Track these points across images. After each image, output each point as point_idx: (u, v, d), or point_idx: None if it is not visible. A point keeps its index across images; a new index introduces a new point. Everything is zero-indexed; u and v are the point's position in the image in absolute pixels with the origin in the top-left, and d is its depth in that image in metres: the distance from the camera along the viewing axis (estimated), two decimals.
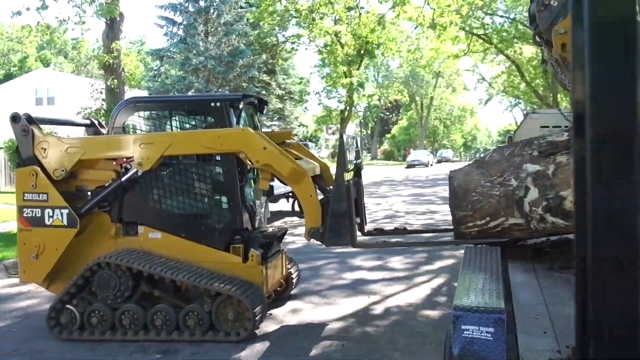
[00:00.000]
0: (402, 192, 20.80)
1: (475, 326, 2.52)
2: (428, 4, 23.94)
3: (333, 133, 43.48)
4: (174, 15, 29.55)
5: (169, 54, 29.39)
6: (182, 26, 29.40)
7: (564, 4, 4.85)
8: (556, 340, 2.82)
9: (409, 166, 44.66)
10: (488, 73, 48.42)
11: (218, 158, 5.45)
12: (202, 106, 5.56)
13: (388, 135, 75.23)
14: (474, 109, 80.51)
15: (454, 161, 68.82)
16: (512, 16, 30.63)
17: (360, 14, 30.00)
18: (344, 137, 5.02)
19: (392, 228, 5.96)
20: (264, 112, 6.33)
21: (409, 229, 6.05)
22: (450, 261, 8.27)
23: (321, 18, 30.96)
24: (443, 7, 23.39)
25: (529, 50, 32.47)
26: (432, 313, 5.87)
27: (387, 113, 71.92)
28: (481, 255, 3.92)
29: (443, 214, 13.82)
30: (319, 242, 5.23)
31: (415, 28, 27.03)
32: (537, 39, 5.27)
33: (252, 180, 5.73)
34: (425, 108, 66.90)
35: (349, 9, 30.33)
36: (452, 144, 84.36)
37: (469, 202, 4.67)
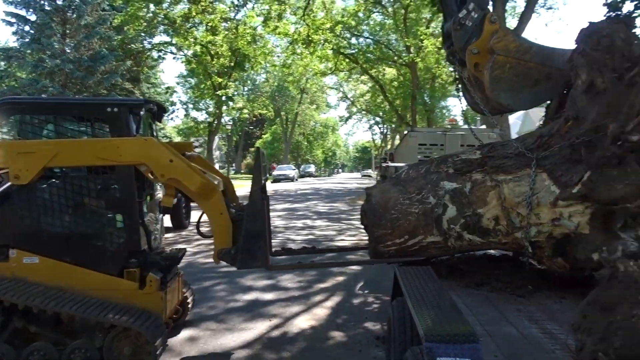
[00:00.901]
0: (276, 207, 20.63)
1: (451, 358, 2.38)
2: (304, 21, 24.32)
3: (200, 145, 42.18)
4: (26, 12, 26.72)
5: (19, 54, 26.39)
6: (35, 25, 26.61)
7: (478, 24, 5.06)
8: None
9: (275, 180, 44.78)
10: (351, 91, 50.60)
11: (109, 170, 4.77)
12: (97, 111, 4.83)
13: (252, 149, 74.98)
14: (335, 126, 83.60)
15: (316, 176, 70.60)
16: (376, 38, 32.32)
17: (237, 25, 29.55)
18: (261, 151, 4.70)
19: (301, 247, 5.72)
20: (161, 120, 5.74)
21: (317, 247, 5.85)
22: (341, 278, 8.22)
23: (195, 27, 29.96)
24: (318, 24, 23.92)
25: (391, 72, 34.48)
26: (339, 334, 5.71)
27: (252, 127, 71.78)
28: (418, 277, 3.83)
29: (321, 229, 13.93)
30: (203, 261, 4.79)
31: (290, 44, 27.23)
32: (451, 57, 5.42)
33: (148, 196, 5.13)
34: (289, 123, 67.86)
35: (225, 19, 29.76)
36: (314, 159, 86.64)
37: (388, 219, 4.60)
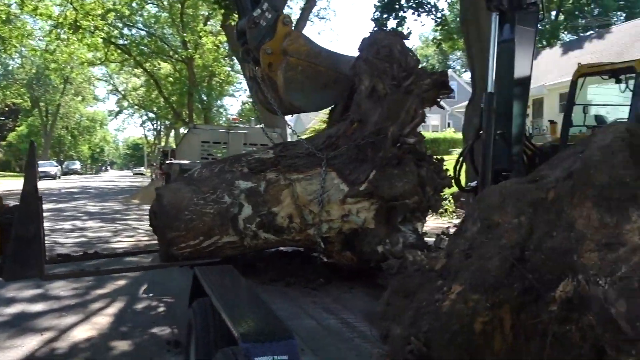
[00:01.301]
0: None
1: (269, 357, 2.31)
2: (71, 4, 21.78)
3: None
4: None
5: None
6: None
7: (272, 25, 5.08)
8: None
9: None
10: (122, 85, 47.44)
11: None
12: None
13: (3, 143, 65.27)
14: (104, 121, 77.64)
15: (81, 173, 64.48)
16: (151, 31, 30.79)
17: None
18: (34, 146, 4.00)
19: (81, 253, 5.06)
20: None
21: (100, 252, 5.25)
22: (122, 282, 7.57)
23: None
24: (88, 9, 21.71)
25: (167, 67, 33.28)
26: (124, 343, 5.22)
27: (2, 117, 62.44)
28: (222, 276, 3.67)
29: (94, 231, 12.76)
30: None
31: (54, 27, 24.14)
32: (245, 55, 5.34)
33: None
34: (50, 115, 60.77)
35: None
36: (80, 155, 79.33)
37: (182, 221, 4.35)
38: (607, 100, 7.88)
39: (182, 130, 55.38)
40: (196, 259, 4.47)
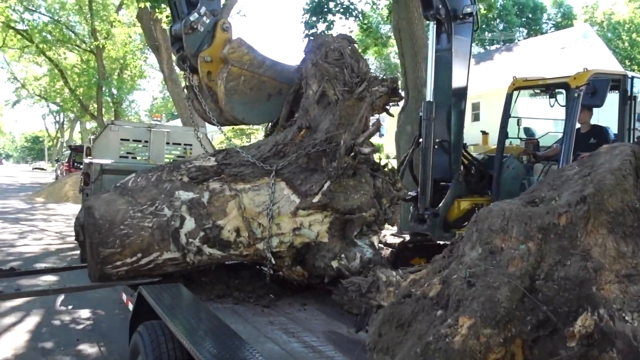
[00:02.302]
0: None
1: None
2: None
3: None
4: None
5: None
6: None
7: (210, 31, 4.69)
8: None
9: None
10: (21, 73, 43.72)
11: None
12: None
13: None
14: None
15: None
16: (56, 18, 28.57)
17: None
18: None
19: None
20: None
21: (17, 269, 4.60)
22: None
23: None
24: None
25: (73, 57, 31.07)
26: None
27: None
28: (173, 297, 3.29)
29: None
30: None
31: None
32: (181, 62, 4.91)
33: None
34: None
35: None
36: None
37: (117, 236, 3.89)
38: (532, 114, 8.21)
39: (89, 125, 52.38)
40: (134, 278, 4.03)
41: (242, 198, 4.15)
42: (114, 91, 30.23)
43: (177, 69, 15.90)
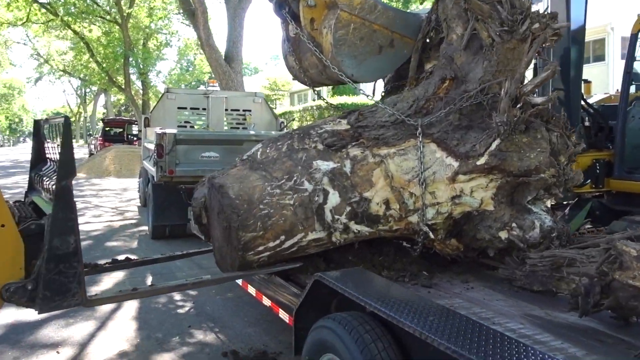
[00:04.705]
0: None
1: None
2: None
3: None
4: None
5: None
6: None
7: None
8: None
9: None
10: (44, 48, 43.19)
11: None
12: None
13: None
14: (22, 88, 71.70)
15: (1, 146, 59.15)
16: None
17: None
18: (68, 122, 2.86)
19: (109, 261, 3.96)
20: None
21: (133, 259, 4.15)
22: (117, 275, 6.48)
23: None
24: None
25: (96, 30, 30.33)
26: (167, 358, 4.27)
27: None
28: (366, 284, 2.77)
29: None
30: None
31: None
32: (279, 8, 4.29)
33: None
34: None
35: None
36: None
37: (257, 218, 3.37)
38: None
39: (114, 98, 51.94)
40: (275, 265, 3.55)
41: (388, 165, 3.58)
42: (140, 62, 29.58)
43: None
